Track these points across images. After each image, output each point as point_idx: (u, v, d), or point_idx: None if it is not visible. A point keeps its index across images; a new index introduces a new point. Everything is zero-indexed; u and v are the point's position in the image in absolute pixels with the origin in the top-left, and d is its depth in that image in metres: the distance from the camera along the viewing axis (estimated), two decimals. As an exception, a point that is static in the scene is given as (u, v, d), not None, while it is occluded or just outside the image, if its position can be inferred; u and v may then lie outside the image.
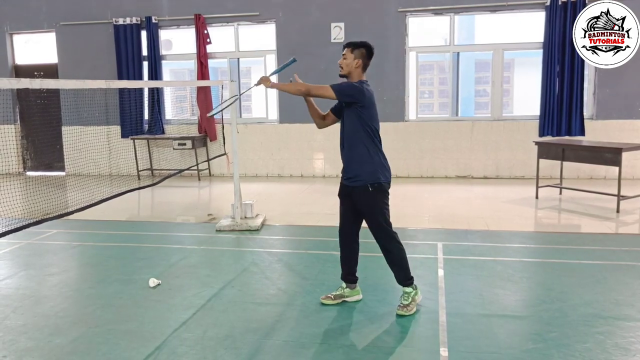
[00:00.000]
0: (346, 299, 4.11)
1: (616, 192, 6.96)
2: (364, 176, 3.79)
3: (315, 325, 3.74)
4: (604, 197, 7.41)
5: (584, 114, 9.27)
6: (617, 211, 6.90)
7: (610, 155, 6.87)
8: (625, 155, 6.87)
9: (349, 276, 4.13)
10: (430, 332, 3.60)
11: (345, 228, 4.05)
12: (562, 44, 9.02)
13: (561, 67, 9.13)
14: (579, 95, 9.12)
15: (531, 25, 9.49)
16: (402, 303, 3.86)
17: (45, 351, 3.44)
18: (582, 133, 9.17)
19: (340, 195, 4.04)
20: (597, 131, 9.20)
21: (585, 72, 9.20)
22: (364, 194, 3.79)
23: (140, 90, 10.58)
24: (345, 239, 4.07)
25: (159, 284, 4.56)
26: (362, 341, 3.50)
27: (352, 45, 3.85)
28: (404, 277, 3.92)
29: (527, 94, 11.48)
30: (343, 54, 3.86)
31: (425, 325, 3.72)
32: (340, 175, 4.02)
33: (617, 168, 6.81)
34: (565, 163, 7.92)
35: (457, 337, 3.51)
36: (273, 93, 10.43)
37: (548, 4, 9.05)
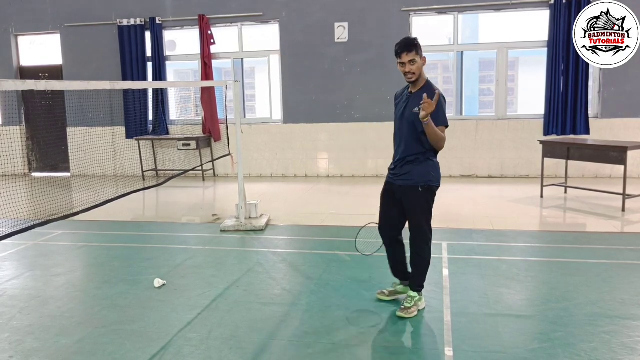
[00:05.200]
0: (399, 296, 4.05)
1: (622, 191, 6.93)
2: (415, 176, 3.73)
3: (320, 325, 3.74)
4: (610, 196, 7.38)
5: (589, 112, 9.24)
6: (623, 210, 6.87)
7: (615, 153, 6.84)
8: (630, 154, 6.85)
9: (400, 273, 4.08)
10: (435, 332, 3.60)
11: (388, 226, 3.97)
12: (567, 43, 8.98)
13: (566, 66, 9.10)
14: (583, 93, 9.09)
15: (535, 24, 9.46)
16: (404, 305, 3.86)
17: (51, 351, 3.46)
18: (587, 132, 9.14)
19: (384, 193, 3.96)
20: (602, 130, 9.17)
21: (590, 71, 9.16)
22: (413, 193, 3.75)
23: (145, 91, 10.61)
24: (390, 238, 4.00)
25: (164, 285, 4.57)
26: (367, 340, 3.50)
27: (413, 48, 3.62)
28: (418, 283, 3.90)
29: (531, 93, 11.46)
30: (410, 61, 3.62)
31: (430, 324, 3.72)
32: (388, 174, 3.93)
33: (622, 167, 6.79)
34: (570, 162, 7.90)
35: (462, 337, 3.50)
36: (276, 93, 10.46)
37: (552, 2, 9.02)
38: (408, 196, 3.78)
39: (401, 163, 3.79)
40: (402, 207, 3.86)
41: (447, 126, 3.66)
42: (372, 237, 4.15)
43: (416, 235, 3.82)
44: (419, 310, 3.86)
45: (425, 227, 3.81)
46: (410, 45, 3.63)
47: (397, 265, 4.06)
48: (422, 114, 3.48)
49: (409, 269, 4.00)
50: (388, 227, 3.97)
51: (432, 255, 5.23)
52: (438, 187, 3.83)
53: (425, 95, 3.49)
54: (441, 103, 3.60)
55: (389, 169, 3.93)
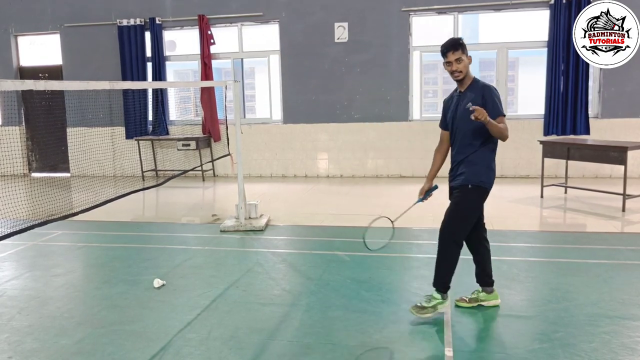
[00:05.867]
0: (482, 303, 3.94)
1: (622, 191, 6.93)
2: (469, 175, 3.70)
3: (320, 325, 3.74)
4: (610, 196, 7.37)
5: (589, 112, 9.23)
6: (623, 210, 6.87)
7: (615, 153, 6.84)
8: (630, 154, 6.84)
9: (484, 278, 3.97)
10: (435, 332, 3.59)
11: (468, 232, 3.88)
12: (567, 43, 8.97)
13: (566, 66, 9.10)
14: (583, 93, 9.09)
15: (535, 24, 9.46)
16: (421, 303, 3.74)
17: (51, 352, 3.45)
18: (587, 132, 9.13)
19: (450, 198, 3.91)
20: (603, 130, 9.16)
21: (590, 71, 9.16)
22: (462, 190, 3.72)
23: (144, 91, 10.61)
24: (470, 243, 3.94)
25: (163, 285, 4.57)
26: (367, 341, 3.50)
27: (459, 46, 3.64)
28: (440, 282, 3.77)
29: (531, 93, 11.44)
30: (456, 59, 3.63)
31: (430, 325, 3.71)
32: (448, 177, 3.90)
33: (622, 167, 6.78)
34: (570, 162, 7.89)
35: (462, 337, 3.50)
36: (276, 93, 10.45)
37: (552, 2, 9.02)
38: (457, 193, 3.75)
39: (457, 164, 3.76)
40: None
41: (504, 115, 3.63)
42: (380, 233, 4.01)
43: (445, 229, 3.73)
44: (434, 314, 3.71)
45: (457, 225, 3.69)
46: (456, 44, 3.63)
47: (478, 269, 3.97)
48: (480, 120, 3.42)
49: (492, 276, 3.95)
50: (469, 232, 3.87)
51: (432, 256, 5.22)
52: (488, 191, 3.76)
53: (469, 104, 3.52)
54: (493, 95, 3.59)
55: (449, 174, 3.90)
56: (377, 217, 3.99)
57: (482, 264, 3.97)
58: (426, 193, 3.99)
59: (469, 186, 3.69)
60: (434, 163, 4.02)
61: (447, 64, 3.68)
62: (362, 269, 4.85)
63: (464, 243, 3.90)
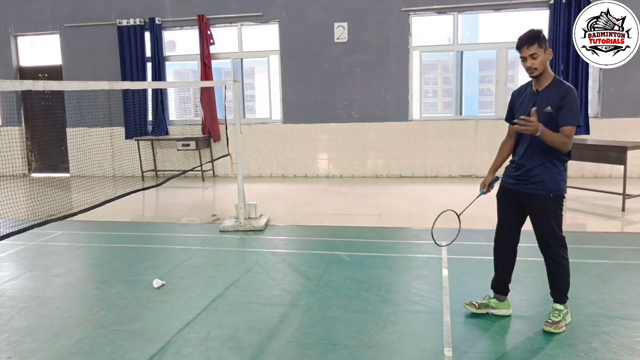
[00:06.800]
0: (492, 311, 3.81)
1: (621, 191, 6.92)
2: (547, 183, 3.50)
3: (319, 325, 3.73)
4: (610, 196, 7.37)
5: (589, 112, 9.23)
6: (623, 210, 6.87)
7: (615, 153, 6.84)
8: (630, 154, 6.84)
9: (501, 285, 3.83)
10: (435, 332, 3.59)
11: (508, 234, 3.82)
12: (567, 43, 8.97)
13: (565, 66, 9.09)
14: (583, 93, 9.08)
15: (535, 24, 9.43)
16: (550, 319, 3.55)
17: (50, 352, 3.45)
18: (587, 132, 9.13)
19: (504, 200, 3.77)
20: (602, 130, 9.16)
21: (590, 71, 9.16)
22: (544, 201, 3.54)
23: (144, 91, 10.61)
24: (506, 246, 3.83)
25: (163, 285, 4.56)
26: (366, 341, 3.49)
27: (535, 40, 3.35)
28: (563, 293, 3.62)
29: (531, 93, 11.39)
30: (531, 55, 3.37)
31: (430, 325, 3.70)
32: (506, 178, 3.72)
33: (622, 167, 6.78)
34: (570, 162, 7.85)
35: (461, 337, 3.49)
36: (276, 93, 10.45)
37: (552, 2, 9.02)
38: (538, 204, 3.57)
39: (528, 170, 3.54)
40: (524, 214, 3.71)
41: (579, 125, 3.44)
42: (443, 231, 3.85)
43: (553, 243, 3.59)
44: (566, 325, 3.58)
45: (560, 233, 3.60)
46: (531, 38, 3.37)
47: (503, 275, 3.84)
48: (522, 131, 3.31)
49: (509, 285, 3.86)
50: (511, 236, 3.81)
51: (432, 256, 5.22)
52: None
53: (526, 117, 3.33)
54: (572, 102, 3.36)
55: (508, 174, 3.70)
56: (442, 212, 3.98)
57: (507, 271, 3.85)
58: (489, 185, 3.86)
59: (551, 195, 3.53)
60: (499, 156, 3.84)
61: (522, 59, 3.45)
62: (362, 269, 4.85)
63: (497, 243, 3.88)
